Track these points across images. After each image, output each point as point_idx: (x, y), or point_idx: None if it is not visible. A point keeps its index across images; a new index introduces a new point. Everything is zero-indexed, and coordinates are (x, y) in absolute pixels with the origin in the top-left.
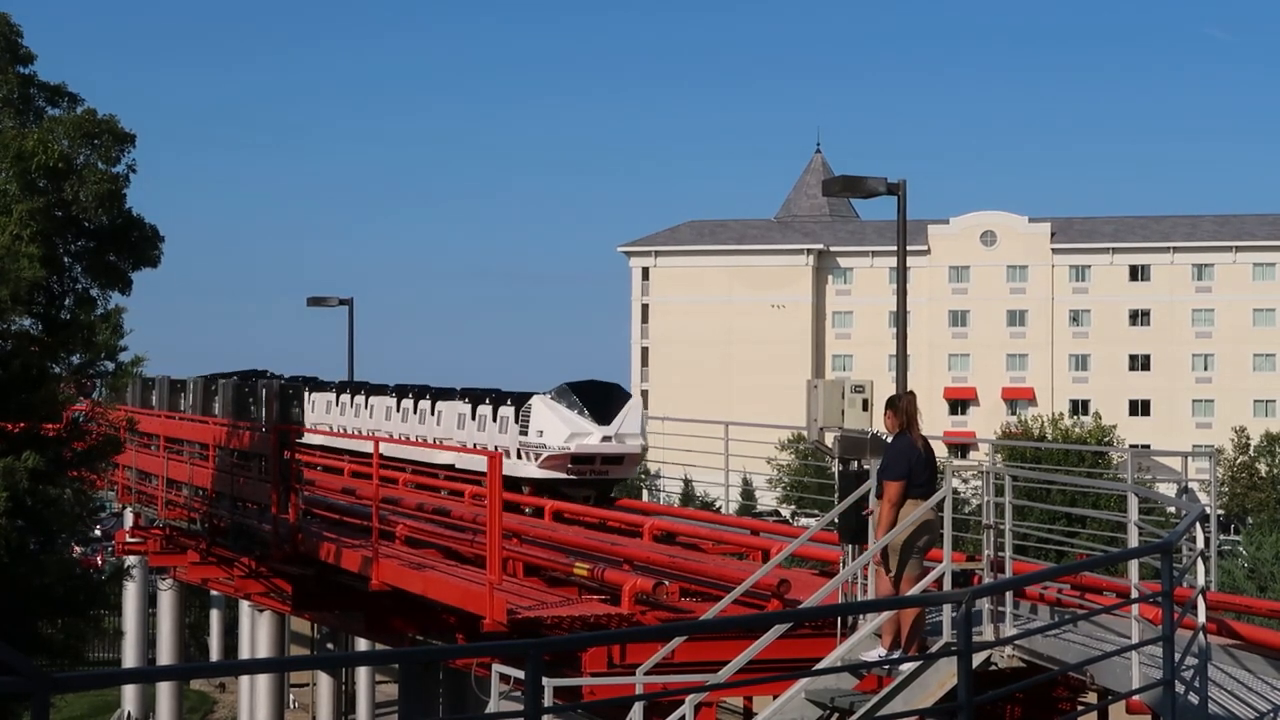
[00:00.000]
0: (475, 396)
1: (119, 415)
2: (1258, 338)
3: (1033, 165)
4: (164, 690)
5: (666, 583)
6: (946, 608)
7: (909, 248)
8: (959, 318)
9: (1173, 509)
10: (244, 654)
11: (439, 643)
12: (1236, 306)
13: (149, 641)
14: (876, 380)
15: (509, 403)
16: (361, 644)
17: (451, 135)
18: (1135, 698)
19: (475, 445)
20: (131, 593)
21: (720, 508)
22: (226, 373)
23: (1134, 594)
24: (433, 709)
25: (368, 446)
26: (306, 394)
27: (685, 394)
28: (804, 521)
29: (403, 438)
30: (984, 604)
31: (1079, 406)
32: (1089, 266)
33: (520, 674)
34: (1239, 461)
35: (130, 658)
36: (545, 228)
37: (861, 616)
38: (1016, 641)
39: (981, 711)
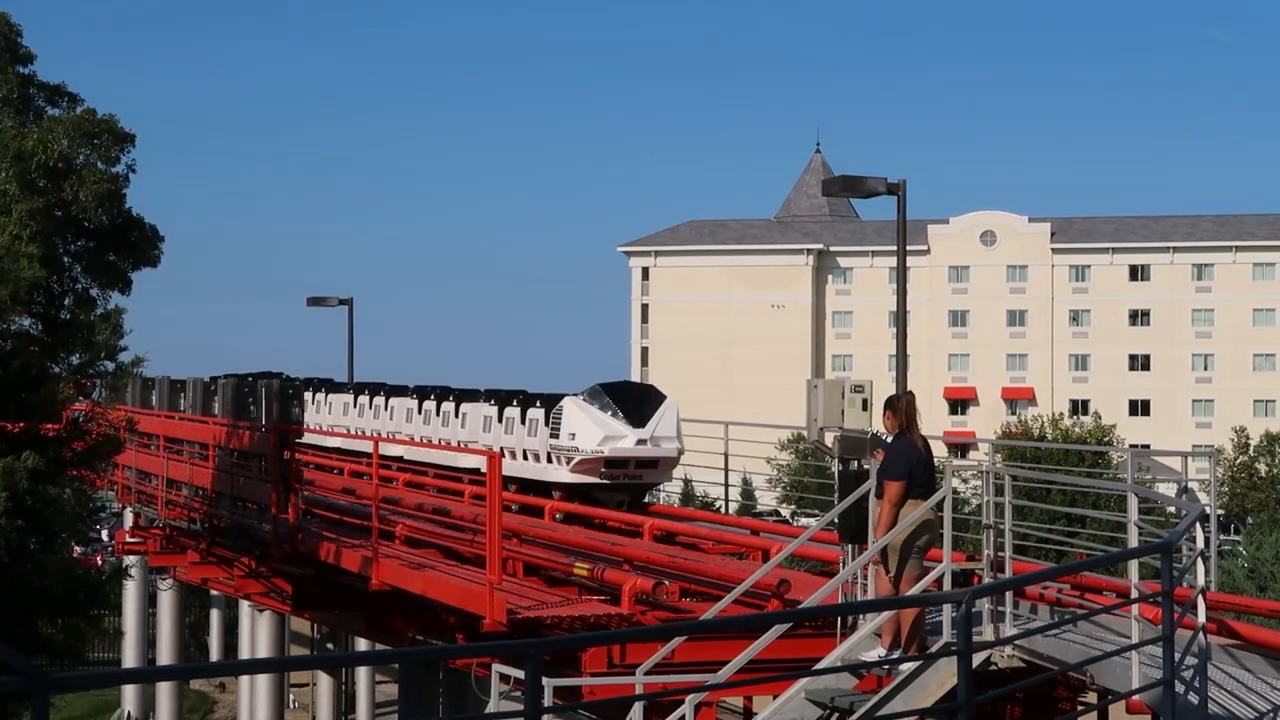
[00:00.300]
0: (502, 398)
1: (119, 415)
2: (1258, 338)
3: (1032, 165)
4: (164, 690)
5: (666, 583)
6: (946, 608)
7: (909, 247)
8: (959, 318)
9: (1173, 509)
10: (244, 654)
11: (439, 643)
12: (1236, 306)
13: (149, 641)
14: (876, 380)
15: (538, 404)
16: (361, 644)
17: (451, 135)
18: (1135, 698)
19: (503, 449)
20: (131, 593)
21: (720, 508)
22: (240, 374)
23: (1134, 594)
24: (433, 709)
25: (387, 449)
26: (322, 396)
27: (685, 394)
28: (804, 521)
29: (425, 441)
30: (984, 604)
31: (1079, 406)
32: (1089, 266)
33: (520, 674)
34: (1239, 461)
35: (130, 658)
36: (545, 227)
37: (861, 616)
38: (1016, 641)
39: (981, 711)
